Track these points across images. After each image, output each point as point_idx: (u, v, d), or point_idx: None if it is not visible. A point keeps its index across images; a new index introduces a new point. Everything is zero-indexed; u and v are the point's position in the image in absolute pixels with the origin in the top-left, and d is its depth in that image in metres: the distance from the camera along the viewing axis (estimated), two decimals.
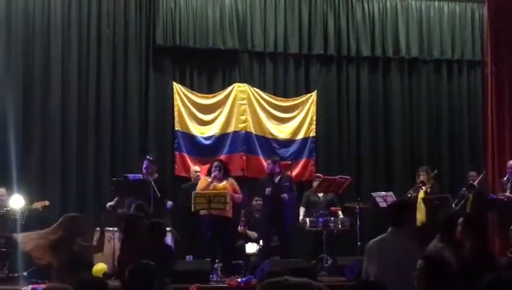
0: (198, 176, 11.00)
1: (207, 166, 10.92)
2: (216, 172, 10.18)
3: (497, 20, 12.71)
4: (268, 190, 10.51)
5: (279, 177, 10.74)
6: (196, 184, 10.56)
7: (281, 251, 10.42)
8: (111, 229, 9.85)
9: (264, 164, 11.94)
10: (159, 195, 10.06)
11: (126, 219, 8.19)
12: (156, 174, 10.34)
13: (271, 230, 10.64)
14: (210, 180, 10.20)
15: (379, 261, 5.22)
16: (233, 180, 10.51)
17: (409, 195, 11.04)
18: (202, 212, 9.95)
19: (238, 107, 12.25)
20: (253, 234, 10.82)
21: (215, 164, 10.39)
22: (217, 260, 9.35)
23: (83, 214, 8.63)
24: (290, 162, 11.55)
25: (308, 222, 10.71)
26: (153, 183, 9.92)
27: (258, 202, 11.14)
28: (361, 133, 12.83)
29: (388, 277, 4.83)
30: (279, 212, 10.45)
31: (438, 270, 4.29)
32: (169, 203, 10.51)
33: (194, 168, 11.37)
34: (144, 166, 10.27)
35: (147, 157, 10.49)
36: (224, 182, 10.23)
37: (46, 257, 6.98)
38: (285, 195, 10.48)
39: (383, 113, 12.97)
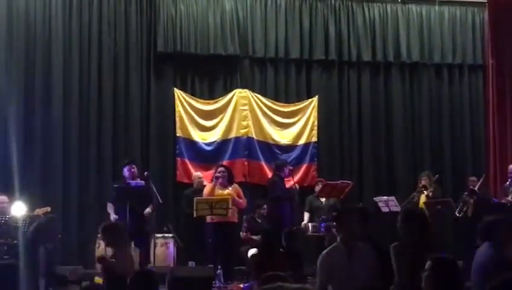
0: (201, 181, 10.98)
1: (210, 172, 10.91)
2: (220, 178, 10.15)
3: (497, 24, 12.72)
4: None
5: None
6: (198, 190, 10.55)
7: None
8: None
9: (266, 169, 12.00)
10: (160, 201, 10.05)
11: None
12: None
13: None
14: (214, 183, 10.17)
15: None
16: (238, 186, 10.49)
17: (413, 199, 11.05)
18: (208, 219, 9.92)
19: (240, 113, 12.26)
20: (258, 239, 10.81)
21: (220, 169, 10.35)
22: (219, 266, 9.33)
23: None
24: (291, 168, 11.56)
25: (310, 227, 10.72)
26: (154, 189, 9.89)
27: (263, 211, 11.16)
28: (362, 137, 12.83)
29: None
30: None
31: (446, 271, 4.31)
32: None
33: (197, 174, 11.35)
34: (132, 171, 10.17)
35: (131, 161, 10.42)
36: (229, 189, 10.19)
37: None
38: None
39: (384, 118, 12.98)
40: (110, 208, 10.06)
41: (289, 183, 11.04)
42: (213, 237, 9.92)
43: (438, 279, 4.28)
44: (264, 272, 4.73)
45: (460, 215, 10.80)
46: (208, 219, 9.90)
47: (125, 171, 10.19)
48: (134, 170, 10.19)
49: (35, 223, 7.07)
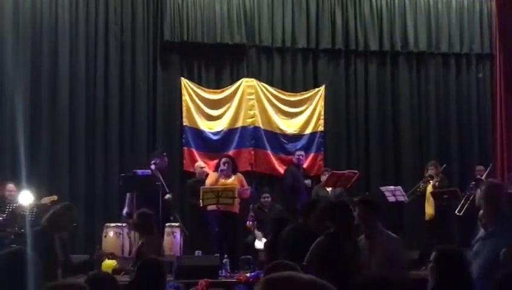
0: (203, 171, 10.97)
1: (214, 162, 10.90)
2: (224, 168, 10.15)
3: (505, 13, 12.66)
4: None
5: None
6: (201, 180, 10.53)
7: None
8: (120, 224, 9.88)
9: (273, 159, 12.01)
10: (167, 191, 10.03)
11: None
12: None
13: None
14: (218, 174, 10.17)
15: None
16: (241, 175, 10.48)
17: (419, 189, 11.03)
18: (209, 207, 9.92)
19: (246, 102, 12.25)
20: (259, 234, 10.75)
21: (224, 159, 10.34)
22: (225, 255, 9.33)
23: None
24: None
25: None
26: (161, 179, 9.89)
27: (266, 199, 11.16)
28: (369, 127, 12.81)
29: None
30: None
31: (451, 261, 4.31)
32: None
33: (199, 164, 11.32)
34: (162, 162, 10.22)
35: (163, 153, 10.45)
36: (232, 178, 10.20)
37: None
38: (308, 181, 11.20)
39: (391, 107, 12.94)
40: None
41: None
42: (216, 227, 9.92)
43: (443, 269, 4.29)
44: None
45: (460, 213, 10.59)
46: (210, 207, 9.90)
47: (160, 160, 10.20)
48: (166, 159, 10.33)
49: (51, 211, 7.13)
